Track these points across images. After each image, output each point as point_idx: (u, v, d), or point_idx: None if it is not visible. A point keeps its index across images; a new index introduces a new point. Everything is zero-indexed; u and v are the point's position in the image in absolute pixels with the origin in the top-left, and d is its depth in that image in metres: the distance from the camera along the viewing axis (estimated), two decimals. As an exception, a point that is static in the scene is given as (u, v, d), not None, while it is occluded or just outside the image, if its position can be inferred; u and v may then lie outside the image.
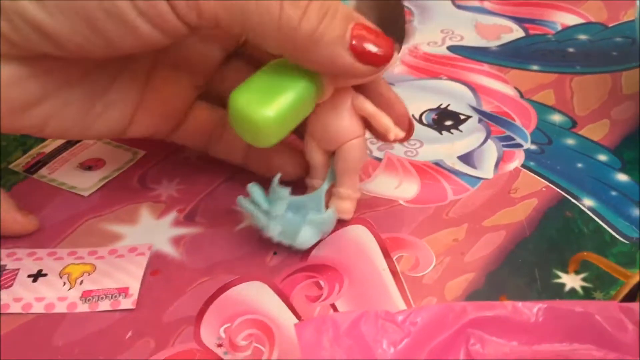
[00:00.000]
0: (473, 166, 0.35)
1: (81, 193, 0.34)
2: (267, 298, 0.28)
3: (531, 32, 0.47)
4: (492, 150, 0.36)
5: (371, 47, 0.25)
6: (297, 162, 0.31)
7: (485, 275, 0.29)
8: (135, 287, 0.29)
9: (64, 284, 0.29)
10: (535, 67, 0.43)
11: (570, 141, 0.37)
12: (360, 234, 0.31)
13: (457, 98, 0.41)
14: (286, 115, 0.25)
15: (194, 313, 0.28)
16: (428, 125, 0.38)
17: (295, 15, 0.23)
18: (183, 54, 0.30)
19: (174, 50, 0.29)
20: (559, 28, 0.47)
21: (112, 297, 0.28)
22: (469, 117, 0.39)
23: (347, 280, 0.29)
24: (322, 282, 0.29)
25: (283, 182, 0.28)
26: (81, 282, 0.29)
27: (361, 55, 0.25)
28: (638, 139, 0.37)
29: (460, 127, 0.38)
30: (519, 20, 0.48)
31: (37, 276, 0.29)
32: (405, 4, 0.51)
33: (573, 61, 0.43)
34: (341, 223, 0.31)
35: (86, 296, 0.28)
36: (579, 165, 0.35)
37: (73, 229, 0.32)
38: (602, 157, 0.36)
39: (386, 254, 0.30)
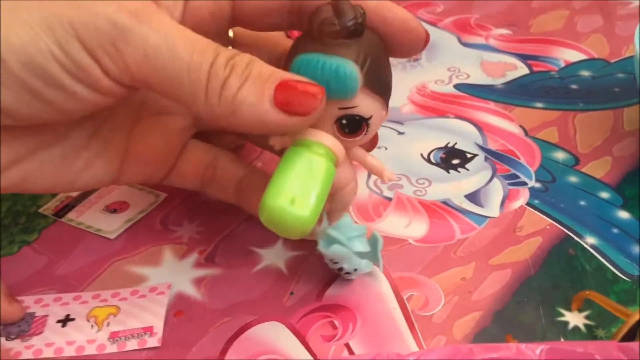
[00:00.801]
0: (480, 205, 0.37)
1: (107, 236, 0.35)
2: (285, 338, 0.30)
3: (535, 69, 0.48)
4: (497, 188, 0.38)
5: (297, 99, 0.25)
6: None
7: (492, 314, 0.31)
8: (159, 325, 0.30)
9: (92, 326, 0.30)
10: (539, 105, 0.45)
11: (573, 179, 0.38)
12: (372, 273, 0.33)
13: (464, 136, 0.42)
14: (319, 204, 0.26)
15: (217, 353, 0.29)
16: (436, 164, 0.40)
17: (218, 85, 0.24)
18: (163, 101, 0.31)
19: (153, 98, 0.31)
20: (562, 64, 0.49)
21: (138, 337, 0.30)
22: (475, 155, 0.41)
23: (360, 320, 0.31)
24: (336, 322, 0.30)
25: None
26: (108, 324, 0.30)
27: (289, 109, 0.25)
28: (639, 176, 0.38)
29: (467, 166, 0.40)
30: (523, 57, 0.50)
31: (65, 321, 0.31)
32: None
33: (576, 98, 0.45)
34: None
35: (114, 337, 0.30)
36: (582, 202, 0.37)
37: (100, 271, 0.34)
38: (604, 195, 0.37)
39: (397, 293, 0.32)
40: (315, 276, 0.33)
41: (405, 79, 0.48)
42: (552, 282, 0.32)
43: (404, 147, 0.42)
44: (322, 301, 0.32)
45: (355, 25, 0.26)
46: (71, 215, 0.37)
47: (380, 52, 0.28)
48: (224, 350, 0.29)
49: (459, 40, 0.53)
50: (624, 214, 0.36)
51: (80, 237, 0.36)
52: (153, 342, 0.30)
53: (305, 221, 0.25)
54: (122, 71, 0.25)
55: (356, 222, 0.36)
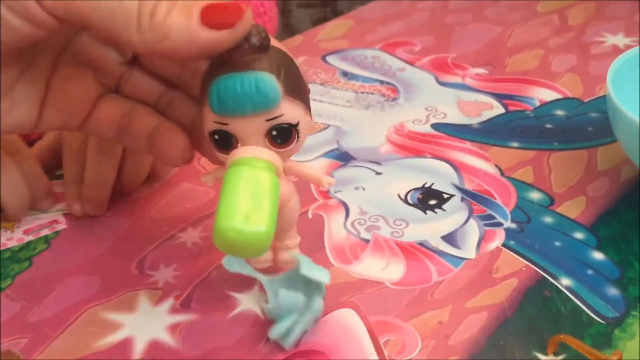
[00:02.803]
0: (456, 246, 0.37)
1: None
2: (260, 386, 0.29)
3: (511, 108, 0.49)
4: (474, 229, 0.38)
5: (222, 12, 0.26)
6: (183, 145, 0.33)
7: (469, 358, 0.31)
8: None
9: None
10: (515, 144, 0.45)
11: (548, 219, 0.39)
12: (349, 317, 0.33)
13: (441, 176, 0.43)
14: (273, 216, 0.27)
15: (190, 402, 0.29)
16: (413, 205, 0.40)
17: (149, 12, 0.26)
18: (83, 52, 0.32)
19: (73, 49, 0.32)
20: (537, 104, 0.49)
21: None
22: (452, 195, 0.41)
23: (336, 366, 0.30)
24: (312, 369, 0.30)
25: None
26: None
27: (216, 23, 0.26)
28: (613, 216, 0.38)
29: (444, 206, 0.40)
30: (499, 97, 0.51)
31: None
32: (391, 81, 0.54)
33: (551, 137, 0.46)
34: (331, 306, 0.33)
35: None
36: (557, 243, 0.37)
37: (74, 318, 0.33)
38: (579, 235, 0.37)
39: (374, 338, 0.32)
40: (291, 321, 0.32)
41: (384, 118, 0.49)
42: (528, 324, 0.32)
43: (381, 187, 0.42)
44: (298, 347, 0.31)
45: (261, 40, 0.27)
46: (46, 259, 0.37)
47: (291, 61, 0.29)
48: (198, 400, 0.29)
49: (436, 80, 0.54)
50: (598, 255, 0.36)
51: (55, 283, 0.35)
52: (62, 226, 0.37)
53: (263, 236, 0.26)
54: (57, 2, 0.26)
55: (333, 265, 0.36)
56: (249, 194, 0.26)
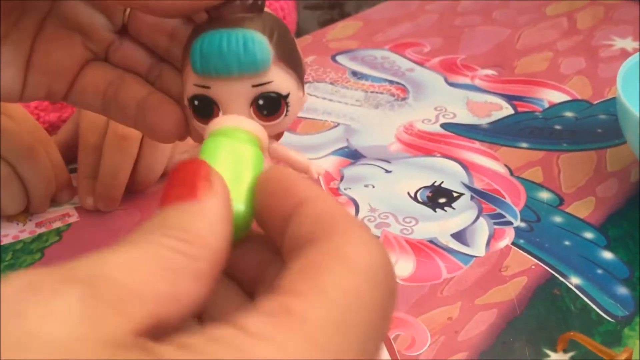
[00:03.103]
0: (466, 244, 0.37)
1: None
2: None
3: (520, 109, 0.49)
4: (483, 227, 0.38)
5: None
6: (176, 117, 0.29)
7: (478, 354, 0.31)
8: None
9: None
10: (524, 145, 0.45)
11: (557, 219, 0.39)
12: (359, 312, 0.33)
13: (451, 175, 0.43)
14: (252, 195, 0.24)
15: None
16: (423, 203, 0.40)
17: None
18: (70, 15, 0.30)
19: (60, 11, 0.30)
20: (546, 105, 0.50)
21: None
22: (461, 194, 0.41)
23: (346, 360, 0.30)
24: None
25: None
26: None
27: None
28: (622, 217, 0.39)
29: (454, 205, 0.40)
30: (508, 98, 0.51)
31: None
32: (400, 81, 0.54)
33: (560, 138, 0.46)
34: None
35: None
36: (566, 242, 0.37)
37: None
38: (588, 235, 0.38)
39: (384, 333, 0.32)
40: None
41: (393, 117, 0.49)
42: (538, 322, 0.32)
43: (391, 185, 0.42)
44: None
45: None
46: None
47: (286, 29, 0.26)
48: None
49: (446, 80, 0.54)
50: (608, 255, 0.36)
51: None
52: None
53: (244, 215, 0.23)
54: None
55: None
56: (228, 170, 0.23)
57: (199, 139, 0.28)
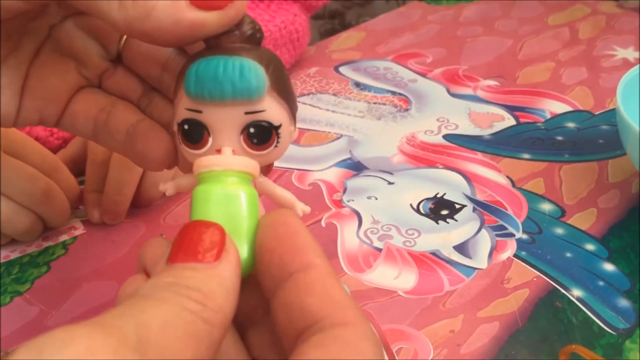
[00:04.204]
0: (468, 256, 0.38)
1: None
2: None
3: (522, 120, 0.50)
4: (485, 239, 0.39)
5: None
6: (165, 146, 0.29)
7: (480, 367, 0.31)
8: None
9: None
10: (526, 156, 0.46)
11: (559, 230, 0.39)
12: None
13: (453, 187, 0.43)
14: (253, 239, 0.24)
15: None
16: (425, 215, 0.41)
17: None
18: (66, 41, 0.30)
19: (57, 37, 0.30)
20: (548, 116, 0.50)
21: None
22: (463, 206, 0.41)
23: (349, 373, 0.31)
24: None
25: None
26: None
27: (205, 4, 0.24)
28: (623, 228, 0.39)
29: (456, 217, 0.40)
30: (510, 109, 0.51)
31: None
32: (403, 92, 0.54)
33: (562, 149, 0.46)
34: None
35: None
36: (568, 254, 0.37)
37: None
38: (590, 247, 0.38)
39: (386, 346, 0.32)
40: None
41: (395, 128, 0.49)
42: (540, 335, 0.32)
43: (393, 197, 0.42)
44: (312, 354, 0.32)
45: (254, 31, 0.25)
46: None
47: (282, 65, 0.26)
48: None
49: (448, 91, 0.54)
50: (609, 267, 0.36)
51: (73, 288, 0.36)
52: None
53: (246, 263, 0.23)
54: None
55: (346, 274, 0.37)
56: (222, 219, 0.23)
57: (187, 169, 0.28)
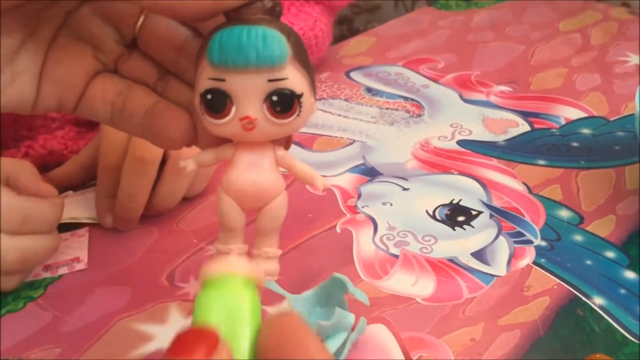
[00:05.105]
0: (486, 263, 0.37)
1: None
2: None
3: (536, 126, 0.49)
4: (503, 246, 0.38)
5: None
6: (184, 124, 0.30)
7: (502, 376, 0.30)
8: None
9: None
10: (541, 162, 0.45)
11: (578, 237, 0.39)
12: (381, 333, 0.33)
13: (468, 193, 0.43)
14: (253, 344, 0.23)
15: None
16: (441, 221, 0.40)
17: None
18: (83, 27, 0.30)
19: (74, 22, 0.30)
20: (563, 122, 0.50)
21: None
22: (480, 212, 0.41)
23: (369, 382, 0.30)
24: (346, 384, 0.30)
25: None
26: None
27: None
28: (643, 235, 0.38)
29: (473, 223, 0.40)
30: (524, 114, 0.51)
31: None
32: (415, 97, 0.54)
33: (577, 156, 0.46)
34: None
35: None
36: (588, 262, 0.37)
37: (106, 329, 0.33)
38: (610, 254, 0.37)
39: (406, 354, 0.31)
40: (323, 336, 0.32)
41: (409, 134, 0.49)
42: (562, 343, 0.32)
43: (409, 203, 0.42)
44: (331, 362, 0.31)
45: (274, 3, 0.25)
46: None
47: (300, 37, 0.26)
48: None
49: (461, 97, 0.54)
50: (630, 274, 0.36)
51: (86, 293, 0.35)
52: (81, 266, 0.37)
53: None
54: None
55: (362, 280, 0.36)
56: (224, 327, 0.22)
57: (206, 145, 0.29)
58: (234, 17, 0.25)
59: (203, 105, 0.25)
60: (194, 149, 0.30)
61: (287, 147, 0.29)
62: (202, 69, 0.25)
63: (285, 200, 0.28)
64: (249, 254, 0.29)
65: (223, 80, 0.25)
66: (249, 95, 0.25)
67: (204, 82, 0.25)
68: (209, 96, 0.25)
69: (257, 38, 0.24)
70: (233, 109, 0.25)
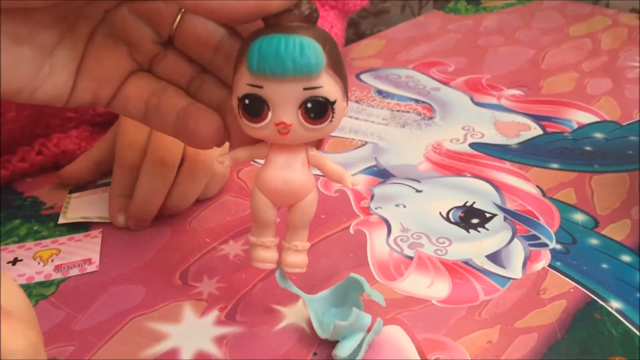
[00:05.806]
0: (502, 265, 0.37)
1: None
2: (311, 401, 0.29)
3: (548, 130, 0.49)
4: (518, 249, 0.38)
5: None
6: (216, 125, 0.31)
7: (520, 379, 0.30)
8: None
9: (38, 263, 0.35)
10: (554, 165, 0.45)
11: (594, 241, 0.38)
12: (397, 334, 0.32)
13: (482, 196, 0.42)
14: None
15: (240, 416, 0.28)
16: (455, 223, 0.40)
17: None
18: (120, 26, 0.31)
19: (111, 22, 0.31)
20: (575, 126, 0.49)
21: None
22: (494, 215, 0.41)
23: (386, 383, 0.30)
24: (362, 385, 0.30)
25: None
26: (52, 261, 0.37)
27: None
28: (659, 240, 0.38)
29: (487, 226, 0.40)
30: (536, 118, 0.51)
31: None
32: (426, 100, 0.54)
33: (591, 159, 0.46)
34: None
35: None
36: (604, 265, 0.37)
37: (119, 327, 0.33)
38: (626, 258, 0.37)
39: (423, 356, 0.31)
40: (339, 336, 0.32)
41: (421, 136, 0.49)
42: (580, 347, 0.32)
43: (422, 205, 0.42)
44: (347, 363, 0.31)
45: (311, 10, 0.26)
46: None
47: (335, 42, 0.27)
48: (248, 413, 0.29)
49: (472, 100, 0.54)
50: (647, 278, 0.36)
51: (99, 291, 0.35)
52: (92, 268, 0.36)
53: None
54: None
55: (377, 282, 0.36)
56: None
57: (238, 144, 0.30)
58: (272, 22, 0.26)
59: (241, 108, 0.27)
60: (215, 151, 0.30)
61: (319, 147, 0.30)
62: (241, 74, 0.26)
63: (315, 198, 0.29)
64: (279, 247, 0.30)
65: (261, 87, 0.26)
66: (285, 102, 0.26)
67: (243, 87, 0.26)
68: (247, 101, 0.26)
69: (295, 48, 0.25)
70: (269, 114, 0.26)
